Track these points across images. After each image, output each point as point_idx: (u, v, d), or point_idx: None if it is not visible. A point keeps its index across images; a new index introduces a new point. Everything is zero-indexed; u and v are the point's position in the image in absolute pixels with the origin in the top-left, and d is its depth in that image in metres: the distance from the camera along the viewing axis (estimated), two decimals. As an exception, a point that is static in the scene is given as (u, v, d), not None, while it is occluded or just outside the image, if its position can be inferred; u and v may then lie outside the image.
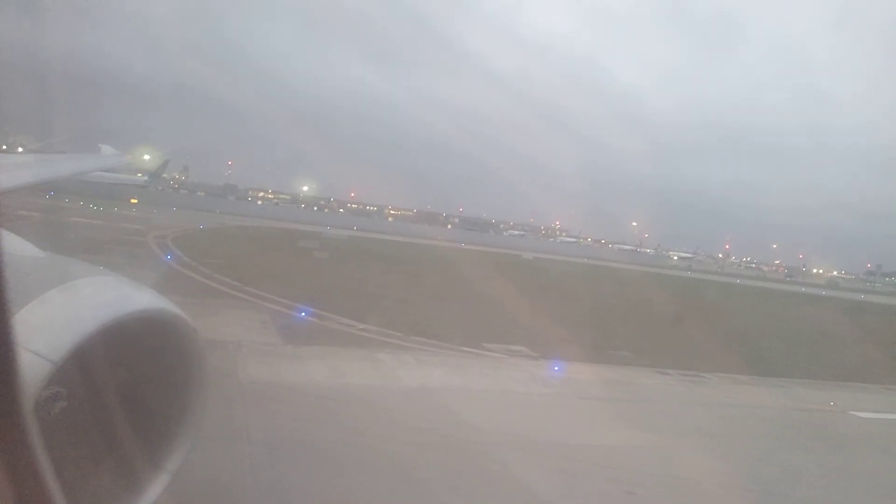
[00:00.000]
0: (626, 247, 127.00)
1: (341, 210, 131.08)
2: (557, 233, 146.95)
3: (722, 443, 9.41)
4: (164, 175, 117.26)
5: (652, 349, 16.67)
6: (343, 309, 16.29)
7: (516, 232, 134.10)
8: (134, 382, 2.78)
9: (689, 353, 16.85)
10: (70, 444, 2.51)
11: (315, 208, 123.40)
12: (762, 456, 9.07)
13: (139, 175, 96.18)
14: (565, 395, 10.90)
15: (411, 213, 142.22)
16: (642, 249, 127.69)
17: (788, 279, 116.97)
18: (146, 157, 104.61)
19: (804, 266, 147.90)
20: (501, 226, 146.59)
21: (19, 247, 3.17)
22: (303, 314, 15.14)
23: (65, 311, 2.44)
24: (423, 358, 11.97)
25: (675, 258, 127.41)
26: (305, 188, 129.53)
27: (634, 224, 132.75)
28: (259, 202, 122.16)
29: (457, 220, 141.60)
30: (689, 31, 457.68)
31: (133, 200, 67.24)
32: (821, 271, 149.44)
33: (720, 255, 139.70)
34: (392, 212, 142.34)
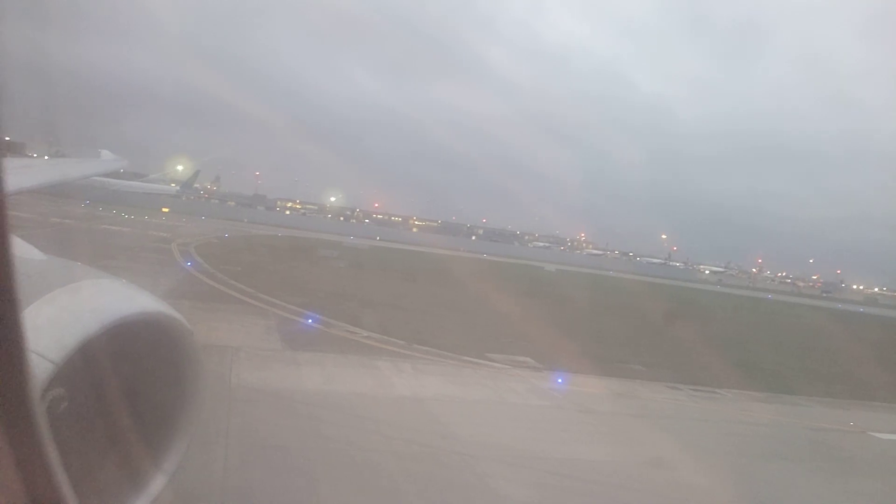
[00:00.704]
0: (655, 260, 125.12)
1: (366, 221, 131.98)
2: (584, 245, 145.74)
3: (720, 462, 9.08)
4: (196, 185, 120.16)
5: (667, 364, 16.36)
6: (351, 317, 16.38)
7: (541, 244, 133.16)
8: (132, 383, 2.80)
9: (707, 368, 16.47)
10: (67, 444, 2.46)
11: (341, 219, 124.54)
12: (755, 474, 8.81)
13: (172, 185, 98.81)
14: (563, 408, 10.69)
15: (436, 224, 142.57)
16: (672, 263, 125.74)
17: (825, 295, 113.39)
18: (179, 167, 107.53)
19: (842, 282, 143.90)
20: (526, 237, 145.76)
21: (21, 249, 3.23)
22: (310, 321, 15.25)
23: (65, 314, 2.49)
24: (421, 367, 11.91)
25: (707, 272, 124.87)
26: (333, 199, 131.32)
27: (664, 237, 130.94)
28: (287, 212, 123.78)
29: (481, 231, 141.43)
30: (714, 40, 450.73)
31: (164, 210, 68.65)
32: (861, 287, 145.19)
33: (754, 270, 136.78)
34: (416, 223, 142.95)
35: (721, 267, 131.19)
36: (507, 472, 7.17)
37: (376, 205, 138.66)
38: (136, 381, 2.82)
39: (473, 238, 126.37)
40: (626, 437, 9.51)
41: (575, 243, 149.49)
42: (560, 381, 12.58)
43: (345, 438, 7.42)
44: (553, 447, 8.43)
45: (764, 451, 10.10)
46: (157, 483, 2.82)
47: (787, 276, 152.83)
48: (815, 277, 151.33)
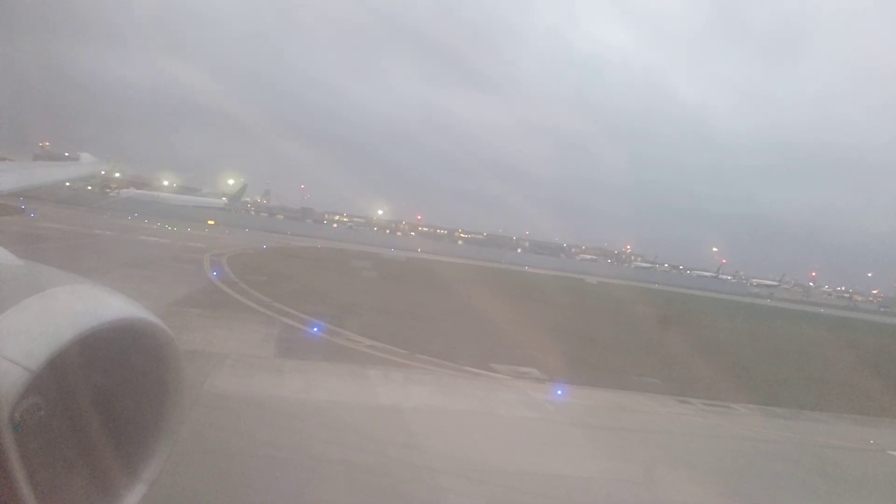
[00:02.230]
0: (706, 273, 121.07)
1: (412, 233, 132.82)
2: (632, 258, 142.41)
3: (707, 480, 8.35)
4: (246, 199, 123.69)
5: (688, 378, 15.44)
6: (359, 325, 16.15)
7: (588, 256, 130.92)
8: (111, 391, 2.74)
9: (730, 382, 15.51)
10: (46, 454, 2.49)
11: (387, 231, 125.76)
12: (745, 493, 8.04)
13: (223, 199, 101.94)
14: (553, 421, 10.06)
15: (481, 237, 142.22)
16: (722, 276, 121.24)
17: (882, 310, 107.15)
18: (230, 181, 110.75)
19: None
20: (573, 250, 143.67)
21: None
22: (315, 329, 15.08)
23: (41, 320, 2.39)
24: (415, 376, 11.50)
25: (758, 286, 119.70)
26: (380, 212, 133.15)
27: (715, 249, 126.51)
28: (334, 225, 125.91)
29: (526, 244, 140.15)
30: (752, 45, 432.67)
31: (210, 222, 70.73)
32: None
33: (811, 284, 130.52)
34: (462, 235, 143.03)
35: (775, 281, 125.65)
36: (461, 487, 6.68)
37: (418, 217, 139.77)
38: (115, 389, 2.77)
39: (518, 250, 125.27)
40: (610, 451, 8.82)
41: (623, 256, 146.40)
42: (560, 392, 11.96)
43: (295, 446, 7.07)
44: (525, 461, 7.85)
45: (761, 469, 9.26)
46: (137, 492, 2.74)
47: (845, 291, 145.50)
48: (874, 292, 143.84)
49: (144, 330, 2.71)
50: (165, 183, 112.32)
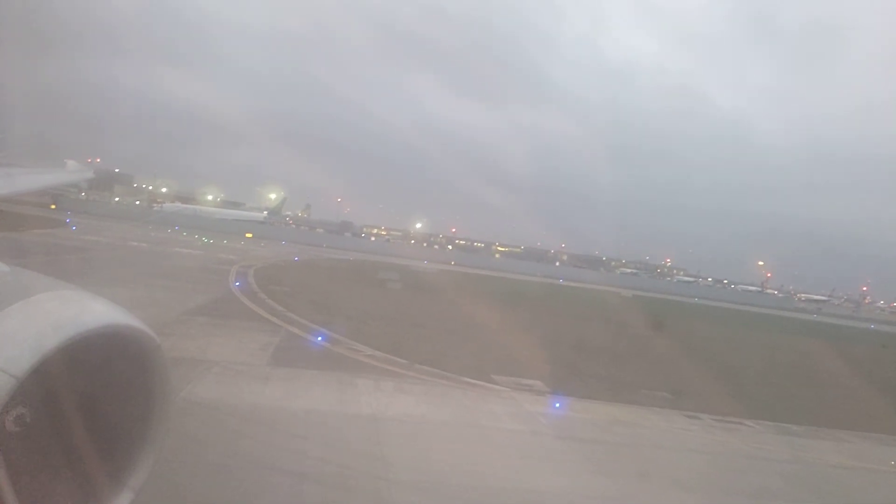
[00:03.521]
0: (751, 288, 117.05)
1: (449, 246, 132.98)
2: (674, 272, 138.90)
3: (694, 498, 7.87)
4: (288, 213, 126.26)
5: (704, 392, 14.75)
6: (367, 335, 16.03)
7: (628, 270, 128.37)
8: (96, 397, 2.76)
9: (751, 399, 14.85)
10: (31, 460, 2.52)
11: (424, 244, 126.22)
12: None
13: (264, 213, 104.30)
14: (539, 434, 9.64)
15: (519, 250, 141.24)
16: (768, 291, 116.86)
17: None
18: (272, 196, 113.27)
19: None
20: (613, 263, 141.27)
21: None
22: (319, 339, 15.03)
23: (27, 326, 2.44)
24: (406, 386, 11.27)
25: (806, 300, 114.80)
26: (418, 225, 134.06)
27: (760, 263, 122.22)
28: (372, 238, 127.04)
29: (565, 257, 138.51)
30: (783, 47, 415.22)
31: (248, 235, 72.13)
32: None
33: (865, 299, 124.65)
34: (499, 248, 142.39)
35: (824, 296, 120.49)
36: (416, 499, 6.44)
37: (453, 230, 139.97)
38: (100, 395, 2.78)
39: (557, 264, 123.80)
40: (591, 466, 8.38)
41: (665, 270, 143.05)
42: (558, 405, 11.55)
43: (249, 455, 6.92)
44: (492, 475, 7.52)
45: (754, 489, 8.71)
46: (124, 499, 2.77)
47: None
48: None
49: (130, 336, 2.73)
50: (210, 198, 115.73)
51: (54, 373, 2.39)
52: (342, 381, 10.94)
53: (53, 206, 64.02)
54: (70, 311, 2.66)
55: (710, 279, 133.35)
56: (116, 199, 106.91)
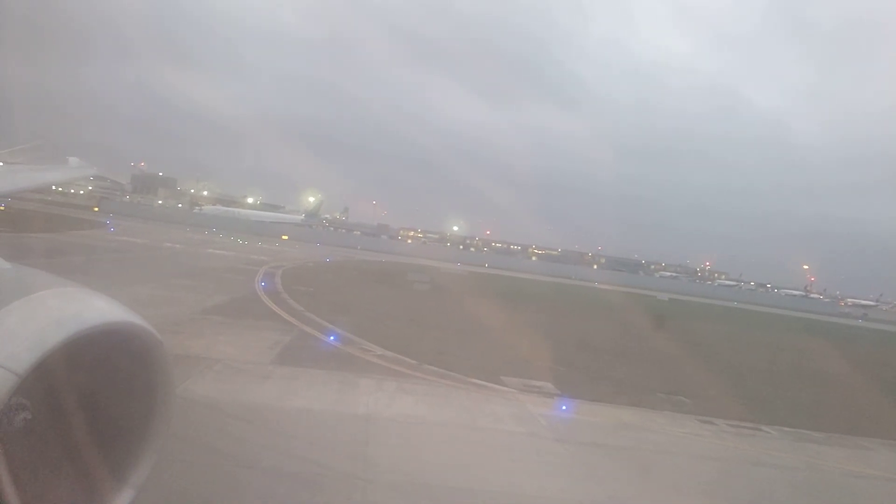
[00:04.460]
0: (794, 292, 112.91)
1: (485, 249, 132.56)
2: (715, 275, 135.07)
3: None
4: (327, 215, 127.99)
5: (724, 397, 14.07)
6: (383, 336, 15.84)
7: (667, 274, 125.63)
8: (98, 395, 2.78)
9: (769, 403, 14.21)
10: (33, 458, 2.54)
11: (460, 247, 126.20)
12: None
13: (301, 216, 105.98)
14: (536, 436, 9.19)
15: (555, 253, 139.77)
16: (813, 295, 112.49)
17: None
18: (311, 199, 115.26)
19: None
20: (653, 267, 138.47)
21: None
22: (332, 338, 14.94)
23: (29, 323, 2.45)
24: (408, 386, 11.01)
25: (853, 305, 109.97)
26: (455, 228, 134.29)
27: (805, 267, 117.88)
28: (408, 241, 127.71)
29: (603, 260, 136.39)
30: (820, 44, 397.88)
31: (284, 237, 73.32)
32: None
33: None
34: (536, 251, 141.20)
35: (872, 300, 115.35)
36: (386, 498, 6.20)
37: (487, 232, 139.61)
38: (102, 392, 2.80)
39: (594, 267, 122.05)
40: (586, 471, 7.93)
41: (707, 274, 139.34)
42: (564, 408, 11.15)
43: (229, 452, 6.77)
44: (479, 476, 7.16)
45: (756, 497, 8.18)
46: (125, 496, 2.79)
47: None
48: None
49: (131, 333, 2.74)
50: (250, 200, 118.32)
51: (56, 370, 2.41)
52: (344, 381, 10.75)
53: (96, 209, 66.30)
54: (72, 309, 2.67)
55: (752, 283, 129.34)
56: (160, 202, 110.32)
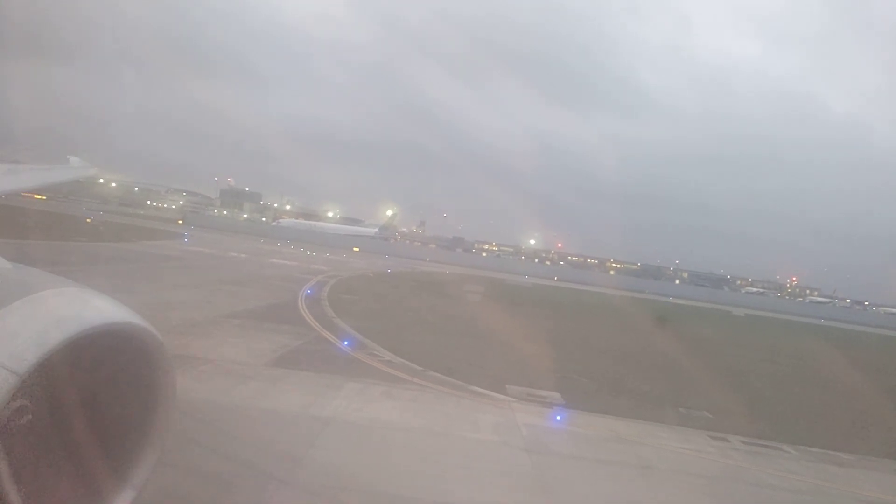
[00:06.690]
0: (893, 310, 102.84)
1: (561, 262, 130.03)
2: (806, 292, 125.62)
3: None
4: (403, 228, 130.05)
5: (750, 413, 12.88)
6: (399, 342, 15.57)
7: (754, 289, 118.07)
8: (99, 395, 2.83)
9: (798, 421, 13.03)
10: (34, 458, 2.59)
11: (535, 260, 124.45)
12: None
13: (375, 229, 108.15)
14: (510, 446, 8.38)
15: (635, 267, 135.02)
16: None
17: None
18: (388, 212, 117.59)
19: None
20: (738, 282, 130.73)
21: None
22: (345, 343, 14.83)
23: (30, 324, 2.50)
24: (395, 392, 10.64)
25: None
26: (532, 241, 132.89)
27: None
28: (483, 254, 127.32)
29: (685, 274, 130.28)
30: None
31: (355, 249, 74.85)
32: None
33: None
34: (614, 265, 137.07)
35: None
36: (292, 500, 5.89)
37: (559, 245, 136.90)
38: (103, 393, 2.83)
39: (676, 282, 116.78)
40: (546, 485, 7.27)
41: (797, 290, 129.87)
42: (558, 418, 10.45)
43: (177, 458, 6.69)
44: (413, 483, 6.67)
45: None
46: (126, 496, 2.82)
47: None
48: None
49: (133, 334, 2.76)
50: (330, 214, 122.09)
51: (57, 370, 2.41)
52: (330, 384, 10.52)
53: (180, 222, 70.31)
54: (73, 309, 2.68)
55: (847, 300, 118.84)
56: (245, 215, 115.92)
